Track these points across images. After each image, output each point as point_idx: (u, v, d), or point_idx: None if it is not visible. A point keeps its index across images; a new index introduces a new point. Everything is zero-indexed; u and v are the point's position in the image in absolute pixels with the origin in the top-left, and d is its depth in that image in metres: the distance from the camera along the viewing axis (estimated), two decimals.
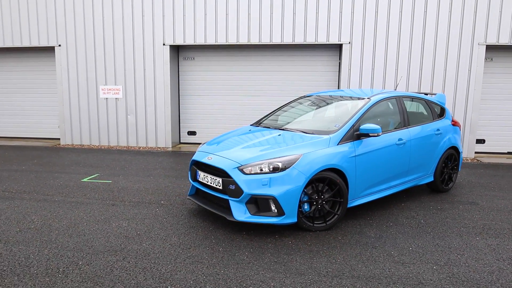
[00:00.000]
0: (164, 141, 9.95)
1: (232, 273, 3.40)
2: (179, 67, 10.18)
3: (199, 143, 10.33)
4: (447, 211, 5.18)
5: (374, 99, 5.25)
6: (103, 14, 9.67)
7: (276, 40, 9.20)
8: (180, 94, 10.28)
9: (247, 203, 4.22)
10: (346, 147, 4.60)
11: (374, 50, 8.96)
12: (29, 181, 6.43)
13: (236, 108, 10.10)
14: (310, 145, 4.45)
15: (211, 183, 4.53)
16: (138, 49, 9.68)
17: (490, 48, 8.84)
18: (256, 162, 4.22)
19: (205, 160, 4.62)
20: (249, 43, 9.34)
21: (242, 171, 4.22)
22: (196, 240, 4.12)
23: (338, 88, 9.53)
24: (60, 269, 3.42)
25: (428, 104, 6.04)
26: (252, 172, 4.19)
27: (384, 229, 4.52)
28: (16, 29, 10.03)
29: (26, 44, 10.08)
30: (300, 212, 4.28)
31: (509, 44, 8.56)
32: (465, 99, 8.87)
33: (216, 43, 9.42)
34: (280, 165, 4.16)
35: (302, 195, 4.26)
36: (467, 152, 9.02)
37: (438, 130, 5.83)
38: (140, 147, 9.97)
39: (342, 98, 5.66)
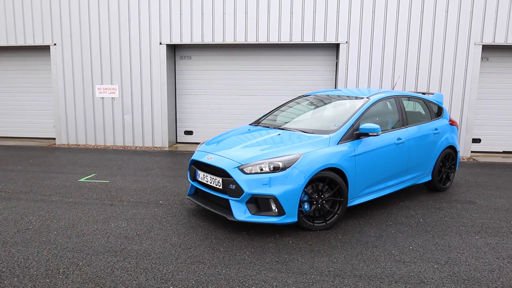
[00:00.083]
0: (161, 140, 9.91)
1: (234, 273, 3.39)
2: (176, 66, 10.14)
3: (196, 143, 10.31)
4: (445, 210, 5.21)
5: (373, 98, 5.26)
6: (99, 13, 9.60)
7: (274, 40, 9.19)
8: (176, 93, 10.24)
9: (247, 202, 4.21)
10: (345, 147, 4.60)
11: (371, 50, 8.99)
12: (25, 181, 6.37)
13: (233, 107, 10.08)
14: (310, 145, 4.45)
15: (211, 183, 4.51)
16: (134, 48, 9.63)
17: (486, 48, 8.90)
18: (256, 162, 4.21)
19: (205, 159, 4.61)
20: (246, 43, 9.32)
21: (242, 170, 4.20)
22: (196, 240, 4.10)
23: (335, 88, 9.55)
24: (60, 270, 3.39)
25: (426, 103, 6.07)
26: (253, 171, 4.17)
27: (383, 228, 4.53)
28: (10, 27, 9.94)
29: (21, 43, 9.99)
30: (300, 211, 4.27)
31: (505, 44, 8.63)
32: (462, 99, 8.92)
33: (213, 43, 9.39)
34: (280, 164, 4.16)
35: (303, 195, 4.25)
36: (463, 151, 9.07)
37: (436, 129, 5.85)
38: (136, 147, 9.92)
39: (340, 97, 5.67)
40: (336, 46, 9.41)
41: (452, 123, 6.30)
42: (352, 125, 4.78)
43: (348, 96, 5.58)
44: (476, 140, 9.42)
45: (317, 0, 8.94)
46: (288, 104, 6.09)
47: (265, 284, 3.21)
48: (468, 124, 9.00)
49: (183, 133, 10.41)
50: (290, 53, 9.69)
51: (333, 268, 3.52)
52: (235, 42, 9.33)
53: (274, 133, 4.97)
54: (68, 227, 4.42)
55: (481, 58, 8.94)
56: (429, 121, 5.90)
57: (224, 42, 9.36)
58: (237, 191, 4.18)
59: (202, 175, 4.66)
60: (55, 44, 9.85)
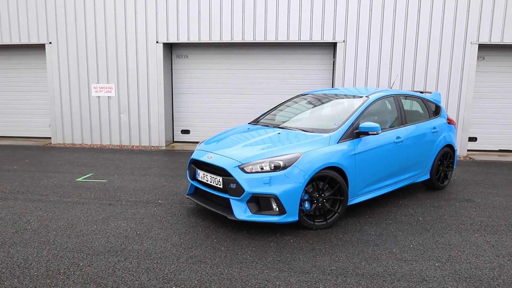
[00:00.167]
0: (158, 139, 9.86)
1: (237, 273, 3.38)
2: (172, 65, 10.09)
3: (193, 142, 10.28)
4: (444, 208, 5.23)
5: (372, 97, 5.26)
6: (95, 11, 9.53)
7: (271, 39, 9.18)
8: (173, 92, 10.20)
9: (248, 202, 4.20)
10: (345, 145, 4.60)
11: (368, 49, 9.00)
12: (22, 181, 6.31)
13: (230, 106, 10.06)
14: (310, 144, 4.44)
15: (211, 182, 4.50)
16: (131, 46, 9.57)
17: (482, 47, 8.95)
18: (257, 161, 4.20)
19: (205, 158, 4.59)
20: (243, 41, 9.30)
21: (243, 169, 4.19)
22: (197, 239, 4.08)
23: (332, 87, 9.56)
24: (61, 271, 3.36)
25: (424, 102, 6.09)
26: (253, 170, 4.16)
27: (383, 226, 4.54)
28: (5, 26, 9.84)
29: (15, 41, 9.89)
30: (301, 210, 4.27)
31: (501, 43, 8.68)
32: (458, 98, 8.97)
33: (210, 41, 9.36)
34: (281, 163, 4.15)
35: (303, 194, 4.25)
36: (460, 150, 9.13)
37: (434, 128, 5.88)
38: (133, 146, 9.87)
39: (339, 96, 5.67)
40: (333, 45, 9.42)
41: (449, 121, 6.33)
42: (352, 123, 4.78)
43: (347, 95, 5.58)
44: (472, 139, 9.47)
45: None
46: (286, 103, 6.08)
47: (268, 284, 3.20)
48: (465, 122, 9.05)
49: (180, 132, 10.37)
50: (288, 52, 9.69)
51: (335, 267, 3.52)
52: (232, 41, 9.31)
53: (274, 132, 4.96)
54: (67, 227, 4.38)
55: (477, 57, 9.00)
56: (428, 120, 5.93)
57: (221, 41, 9.33)
58: (238, 190, 4.17)
59: (202, 174, 4.64)
60: (50, 43, 9.76)
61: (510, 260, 3.71)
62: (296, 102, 6.00)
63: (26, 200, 5.32)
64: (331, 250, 3.87)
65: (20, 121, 10.83)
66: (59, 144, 10.08)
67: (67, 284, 3.15)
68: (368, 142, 4.83)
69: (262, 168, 4.16)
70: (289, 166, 4.16)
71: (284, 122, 5.42)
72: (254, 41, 9.26)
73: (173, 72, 10.12)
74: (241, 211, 4.21)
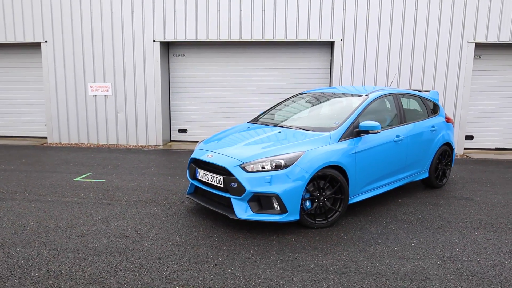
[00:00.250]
0: (155, 139, 9.82)
1: (240, 272, 3.37)
2: (170, 64, 10.05)
3: (190, 141, 10.24)
4: (443, 207, 5.25)
5: (372, 96, 5.27)
6: (91, 10, 9.46)
7: (268, 37, 9.17)
8: (170, 91, 10.16)
9: (249, 201, 4.19)
10: (346, 144, 4.61)
11: (366, 48, 9.02)
12: (19, 181, 6.25)
13: (228, 105, 10.03)
14: (311, 142, 4.44)
15: (211, 181, 4.48)
16: (127, 45, 9.51)
17: (478, 46, 9.00)
18: (258, 160, 4.19)
19: (205, 158, 4.57)
20: (241, 40, 9.28)
21: (244, 168, 4.18)
22: (198, 239, 4.07)
23: (330, 85, 9.57)
24: (63, 271, 3.33)
25: (423, 101, 6.11)
26: (254, 169, 4.15)
27: (384, 225, 4.55)
28: (0, 24, 9.73)
29: (11, 40, 9.79)
30: (302, 209, 4.27)
31: (497, 42, 8.73)
32: (455, 96, 9.01)
33: (208, 40, 9.33)
34: (282, 162, 4.14)
35: (304, 193, 4.25)
36: (457, 148, 9.17)
37: (433, 127, 5.90)
38: (130, 145, 9.82)
39: (339, 95, 5.67)
40: (331, 44, 9.42)
41: (448, 120, 6.36)
42: (352, 122, 4.78)
43: (346, 94, 5.58)
44: (468, 137, 9.53)
45: None
46: (285, 102, 6.08)
47: (272, 283, 3.20)
48: (461, 121, 9.09)
49: (177, 131, 10.34)
50: (285, 50, 9.68)
51: (338, 265, 3.52)
52: (229, 40, 9.28)
53: (275, 131, 4.95)
54: (67, 227, 4.34)
55: (474, 56, 9.04)
56: (426, 118, 5.94)
57: (218, 40, 9.30)
58: (239, 190, 4.16)
59: (202, 174, 4.62)
60: (46, 41, 9.68)
61: (511, 258, 3.73)
62: (295, 101, 5.99)
63: (24, 200, 5.27)
64: (333, 248, 3.87)
65: (16, 120, 10.73)
66: (56, 143, 10.01)
67: (69, 285, 3.13)
68: (368, 140, 4.84)
69: (263, 167, 4.15)
70: (290, 165, 4.15)
71: (284, 121, 5.41)
72: (252, 40, 9.24)
73: (170, 71, 10.08)
74: (242, 210, 4.20)
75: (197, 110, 10.15)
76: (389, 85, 7.12)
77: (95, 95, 9.78)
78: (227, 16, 9.16)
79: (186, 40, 9.40)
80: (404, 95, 5.82)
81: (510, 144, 9.55)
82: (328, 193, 4.40)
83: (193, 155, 4.83)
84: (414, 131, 5.55)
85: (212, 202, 4.61)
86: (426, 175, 5.95)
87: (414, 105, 6.06)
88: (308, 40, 9.13)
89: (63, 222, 4.48)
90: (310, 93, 6.10)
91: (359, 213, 4.92)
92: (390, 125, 5.33)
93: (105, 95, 9.76)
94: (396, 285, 3.20)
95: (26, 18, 9.65)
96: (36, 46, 10.01)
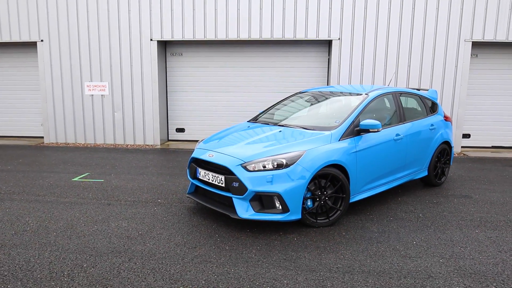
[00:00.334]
0: (153, 138, 9.78)
1: (243, 272, 3.36)
2: (167, 63, 10.01)
3: (188, 140, 10.22)
4: (443, 205, 5.27)
5: (372, 94, 5.27)
6: (88, 8, 9.40)
7: (266, 36, 9.15)
8: (168, 90, 10.12)
9: (251, 200, 4.17)
10: (347, 143, 4.61)
11: (364, 46, 9.03)
12: (17, 181, 6.20)
13: (225, 104, 10.01)
14: (312, 141, 4.44)
15: (212, 181, 4.47)
16: (124, 44, 9.46)
17: (475, 45, 9.04)
18: (259, 159, 4.18)
19: (206, 157, 4.55)
20: (238, 39, 9.26)
21: (245, 168, 4.17)
22: (200, 239, 4.05)
23: (328, 84, 9.58)
24: (65, 273, 3.30)
25: (422, 99, 6.13)
26: (256, 169, 4.14)
27: (385, 223, 4.56)
28: None
29: (6, 39, 9.70)
30: (303, 208, 4.27)
31: (494, 40, 8.78)
32: (452, 95, 9.05)
33: (205, 39, 9.30)
34: (284, 161, 4.14)
35: (306, 192, 4.24)
36: (454, 146, 9.19)
37: (432, 125, 5.92)
38: (127, 145, 9.77)
39: (339, 94, 5.67)
40: (329, 43, 9.43)
41: (446, 119, 6.38)
42: (353, 121, 4.79)
43: (346, 93, 5.59)
44: (466, 135, 9.58)
45: None
46: (285, 101, 6.07)
47: (276, 282, 3.19)
48: (459, 119, 9.14)
49: (175, 130, 10.30)
50: (283, 49, 9.67)
51: (341, 264, 3.52)
52: (227, 39, 9.26)
53: (275, 130, 4.94)
54: (67, 227, 4.31)
55: (471, 54, 9.08)
56: (425, 117, 5.96)
57: (216, 39, 9.28)
58: (241, 189, 4.15)
59: (203, 173, 4.60)
60: (42, 41, 9.61)
61: None
62: (294, 100, 5.98)
63: (22, 201, 5.23)
64: (336, 247, 3.87)
65: (12, 120, 10.65)
66: (52, 143, 9.94)
67: (72, 286, 3.10)
68: (368, 139, 4.84)
69: (264, 167, 4.14)
70: (292, 164, 4.14)
71: (284, 120, 5.40)
72: (249, 39, 9.23)
73: (167, 70, 10.04)
74: (243, 210, 4.19)
75: (194, 109, 10.12)
76: (387, 84, 7.13)
77: (92, 95, 9.72)
78: (225, 15, 9.14)
79: (183, 39, 9.36)
80: (403, 93, 5.83)
81: (507, 142, 9.61)
82: (329, 192, 4.40)
83: (194, 155, 4.81)
84: (414, 130, 5.57)
85: (213, 202, 4.60)
86: (425, 173, 5.97)
87: (413, 103, 6.08)
88: (306, 39, 9.13)
89: (63, 223, 4.45)
90: (309, 92, 6.10)
91: (360, 212, 4.93)
92: (389, 124, 5.34)
93: (102, 95, 9.70)
94: (400, 283, 3.20)
95: (21, 17, 9.57)
96: (32, 45, 9.93)
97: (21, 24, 9.59)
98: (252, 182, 4.09)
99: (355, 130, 4.75)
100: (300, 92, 6.22)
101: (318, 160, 4.25)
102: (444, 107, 9.04)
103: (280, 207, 4.14)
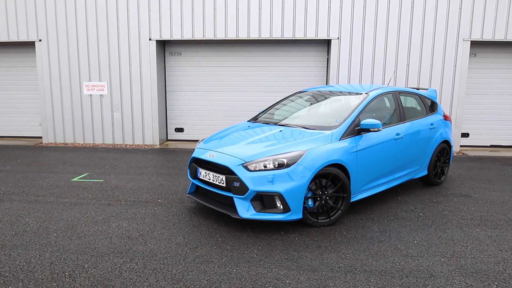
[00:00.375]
0: (152, 138, 9.76)
1: (245, 272, 3.35)
2: (165, 62, 9.99)
3: (187, 140, 10.20)
4: (443, 204, 5.28)
5: (372, 94, 5.28)
6: (86, 8, 9.37)
7: (265, 35, 9.15)
8: (166, 90, 10.10)
9: (252, 200, 4.17)
10: (347, 143, 4.61)
11: (363, 46, 9.04)
12: (16, 182, 6.17)
13: (224, 104, 10.00)
14: (313, 141, 4.43)
15: (213, 181, 4.46)
16: (123, 44, 9.43)
17: (474, 44, 9.06)
18: (261, 159, 4.18)
19: (207, 157, 4.54)
20: (237, 39, 9.25)
21: (246, 168, 4.16)
22: (201, 239, 4.05)
23: (327, 84, 9.58)
24: (66, 273, 3.29)
25: (421, 99, 6.13)
26: (257, 168, 4.14)
27: (386, 223, 4.56)
28: None
29: (4, 39, 9.66)
30: (304, 208, 4.26)
31: (492, 40, 8.80)
32: (451, 94, 9.07)
33: (204, 38, 9.28)
34: (285, 161, 4.13)
35: (307, 191, 4.24)
36: (453, 145, 9.21)
37: (432, 124, 5.92)
38: (126, 145, 9.75)
39: (339, 93, 5.67)
40: (328, 42, 9.43)
41: (446, 118, 6.39)
42: (353, 120, 4.79)
43: (346, 92, 5.59)
44: (464, 135, 9.60)
45: None
46: (284, 101, 6.07)
47: (278, 282, 3.19)
48: (457, 119, 9.16)
49: (174, 130, 10.29)
50: (282, 49, 9.67)
51: (343, 264, 3.52)
52: (226, 38, 9.25)
53: (276, 129, 4.94)
54: (67, 228, 4.30)
55: (470, 54, 9.10)
56: (425, 116, 5.97)
57: (215, 38, 9.26)
58: (242, 189, 4.14)
59: (204, 173, 4.60)
60: (40, 40, 9.57)
61: None
62: (294, 100, 5.98)
63: (22, 201, 5.21)
64: (337, 247, 3.87)
65: (10, 120, 10.60)
66: (51, 143, 9.91)
67: (74, 287, 3.09)
68: (369, 139, 4.84)
69: (265, 166, 4.14)
70: (293, 164, 4.14)
71: (284, 119, 5.40)
72: (248, 38, 9.22)
73: (166, 70, 10.02)
74: (244, 210, 4.18)
75: (193, 109, 10.10)
76: (387, 83, 7.14)
77: (91, 94, 9.70)
78: (224, 14, 9.12)
79: (182, 39, 9.35)
80: (403, 93, 5.84)
81: (505, 141, 9.64)
82: (330, 191, 4.40)
83: (194, 154, 4.80)
84: (414, 129, 5.57)
85: (214, 202, 4.59)
86: (425, 172, 5.98)
87: (412, 103, 6.08)
88: (305, 38, 9.13)
89: (63, 223, 4.44)
90: (309, 91, 6.10)
91: (360, 211, 4.93)
92: (389, 123, 5.35)
93: (100, 94, 9.68)
94: (402, 283, 3.21)
95: (19, 17, 9.53)
96: (30, 45, 9.89)
97: (19, 24, 9.55)
98: (253, 182, 4.09)
99: (356, 130, 4.75)
100: (300, 92, 6.22)
101: (319, 160, 4.25)
102: (443, 106, 9.06)
103: (281, 206, 4.13)
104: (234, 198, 4.24)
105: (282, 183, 4.09)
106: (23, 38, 9.60)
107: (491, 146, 9.65)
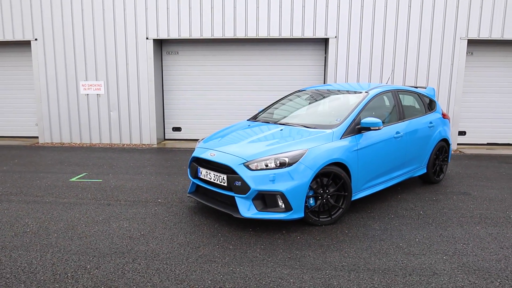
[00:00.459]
0: (149, 137, 9.72)
1: (249, 271, 3.35)
2: (163, 61, 9.95)
3: (185, 139, 10.17)
4: (442, 202, 5.30)
5: (372, 92, 5.28)
6: (82, 7, 9.30)
7: (263, 34, 9.13)
8: (164, 89, 10.06)
9: (253, 199, 4.16)
10: (348, 141, 4.61)
11: (360, 45, 9.05)
12: (14, 182, 6.12)
13: (222, 103, 9.98)
14: (314, 140, 4.43)
15: (214, 180, 4.44)
16: (120, 43, 9.38)
17: (470, 43, 9.10)
18: (262, 158, 4.17)
19: (207, 156, 4.53)
20: (235, 37, 9.22)
21: (248, 167, 4.15)
22: (203, 238, 4.03)
23: (324, 83, 9.58)
24: (68, 274, 3.27)
25: (420, 97, 6.15)
26: (259, 168, 4.13)
27: (386, 221, 4.57)
28: None
29: None
30: (306, 207, 4.26)
31: (489, 38, 8.84)
32: (448, 93, 9.11)
33: (201, 37, 9.25)
34: (287, 160, 4.13)
35: (308, 190, 4.24)
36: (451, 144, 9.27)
37: (431, 123, 5.95)
38: (124, 144, 9.70)
39: (338, 92, 5.67)
40: (325, 41, 9.43)
41: (444, 116, 6.42)
42: (354, 119, 4.79)
43: (345, 91, 5.59)
44: (461, 133, 9.65)
45: None
46: (284, 100, 6.06)
47: (282, 281, 3.19)
48: (455, 117, 9.20)
49: (171, 129, 10.25)
50: (279, 48, 9.65)
51: (346, 262, 3.53)
52: (224, 37, 9.22)
53: (276, 128, 4.93)
54: (68, 228, 4.27)
55: (466, 52, 9.14)
56: (424, 114, 5.99)
57: (212, 37, 9.24)
58: (243, 188, 4.13)
59: (204, 172, 4.58)
60: (36, 39, 9.49)
61: None
62: (294, 99, 5.98)
63: (21, 202, 5.16)
64: (339, 246, 3.88)
65: (6, 120, 10.51)
66: (47, 143, 9.84)
67: (77, 287, 3.07)
68: (369, 137, 4.85)
69: (267, 165, 4.13)
70: (294, 163, 4.14)
71: (284, 118, 5.39)
72: (246, 37, 9.20)
73: (163, 69, 9.98)
74: (246, 209, 4.17)
75: (191, 108, 10.07)
76: (385, 82, 7.16)
77: (87, 94, 9.64)
78: (221, 13, 9.09)
79: (179, 38, 9.31)
80: (402, 91, 5.85)
81: (502, 139, 9.70)
82: (331, 190, 4.40)
83: (195, 154, 4.79)
84: (413, 128, 5.59)
85: (215, 201, 4.58)
86: (424, 170, 6.00)
87: (411, 101, 6.10)
88: (303, 37, 9.12)
89: (63, 224, 4.40)
90: (308, 90, 6.10)
91: (361, 209, 4.94)
92: (389, 122, 5.36)
93: (97, 94, 9.62)
94: (406, 281, 3.22)
95: (15, 16, 9.44)
96: (26, 44, 9.81)
97: (15, 23, 9.47)
98: (255, 181, 4.08)
99: (356, 128, 4.76)
100: (299, 91, 6.21)
101: (320, 159, 4.25)
102: (440, 104, 9.09)
103: (283, 205, 4.13)
104: (235, 197, 4.23)
105: (283, 182, 4.09)
106: (18, 37, 9.52)
107: (488, 144, 9.70)
